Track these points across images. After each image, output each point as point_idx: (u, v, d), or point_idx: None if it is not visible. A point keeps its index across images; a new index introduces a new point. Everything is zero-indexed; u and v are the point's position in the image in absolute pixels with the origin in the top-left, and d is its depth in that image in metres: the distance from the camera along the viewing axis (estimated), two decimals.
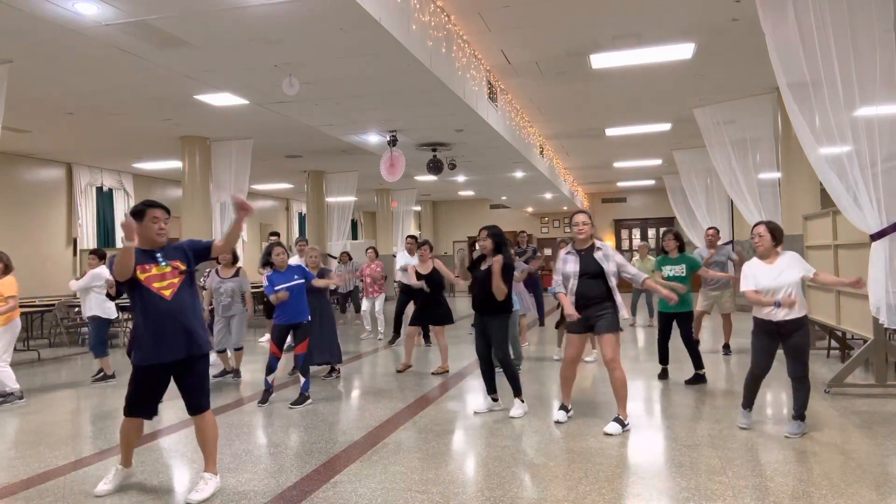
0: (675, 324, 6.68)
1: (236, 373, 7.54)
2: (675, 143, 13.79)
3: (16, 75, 7.10)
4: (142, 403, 3.86)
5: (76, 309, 11.56)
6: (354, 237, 22.93)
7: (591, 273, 4.98)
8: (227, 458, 4.53)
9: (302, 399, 6.07)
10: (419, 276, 7.77)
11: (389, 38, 5.64)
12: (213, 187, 11.80)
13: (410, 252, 9.42)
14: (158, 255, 3.80)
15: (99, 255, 7.55)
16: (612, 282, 5.01)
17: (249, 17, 5.20)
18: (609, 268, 4.98)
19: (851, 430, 4.84)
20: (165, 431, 5.30)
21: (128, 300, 3.89)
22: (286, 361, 7.77)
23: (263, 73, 6.68)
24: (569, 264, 5.09)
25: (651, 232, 23.16)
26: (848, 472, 3.94)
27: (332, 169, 15.63)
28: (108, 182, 14.30)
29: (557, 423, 5.18)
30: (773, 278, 4.63)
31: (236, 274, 7.48)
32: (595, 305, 4.98)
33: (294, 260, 7.82)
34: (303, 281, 6.21)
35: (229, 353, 7.62)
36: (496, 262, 5.32)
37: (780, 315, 4.58)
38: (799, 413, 4.72)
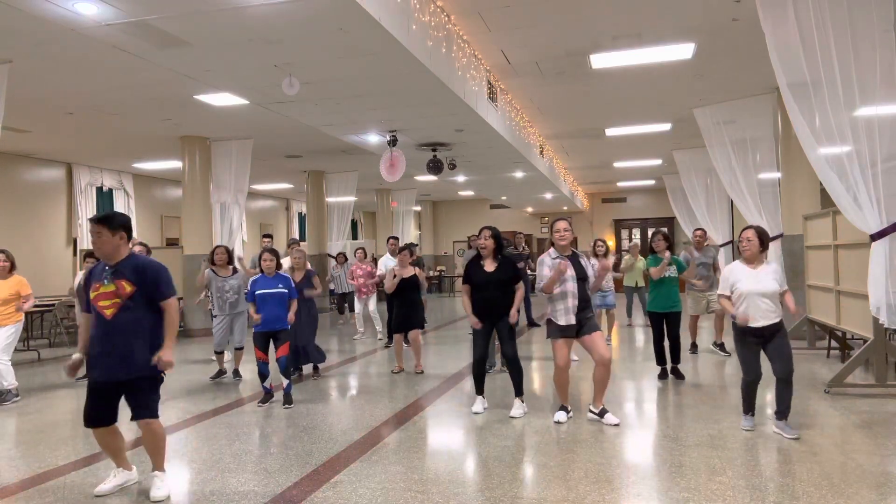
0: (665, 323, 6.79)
1: (236, 373, 7.54)
2: (675, 143, 13.79)
3: (16, 75, 7.10)
4: (94, 415, 3.81)
5: (76, 309, 11.57)
6: (354, 237, 22.94)
7: (583, 277, 5.21)
8: (227, 457, 4.53)
9: (290, 399, 6.10)
10: (400, 281, 7.68)
11: (389, 38, 5.64)
12: (213, 187, 11.80)
13: (392, 253, 9.46)
14: (107, 272, 3.74)
15: (95, 256, 7.54)
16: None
17: (249, 17, 5.20)
18: (591, 273, 5.28)
19: (851, 430, 4.84)
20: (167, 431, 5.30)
21: None
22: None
23: (263, 73, 6.68)
24: (569, 269, 5.19)
25: (651, 232, 23.16)
26: (848, 472, 3.94)
27: (332, 169, 15.63)
28: (108, 182, 14.30)
29: (558, 423, 5.20)
30: (754, 283, 4.70)
31: (235, 271, 7.55)
32: (583, 310, 5.20)
33: (286, 262, 7.77)
34: (284, 291, 6.18)
35: (227, 355, 7.62)
36: (518, 298, 5.53)
37: (759, 322, 4.65)
38: (785, 414, 4.73)
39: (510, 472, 4.08)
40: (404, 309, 7.67)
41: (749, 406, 4.94)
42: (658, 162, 16.38)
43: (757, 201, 9.92)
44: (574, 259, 5.23)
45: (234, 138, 11.56)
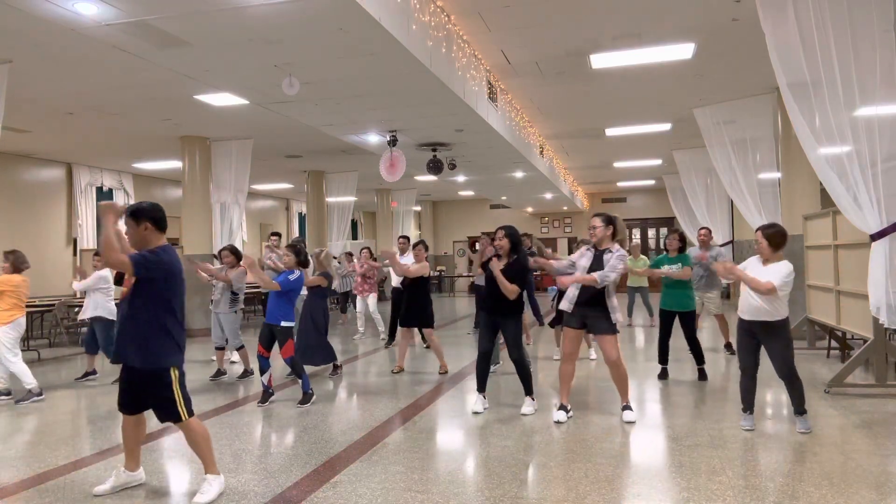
0: (676, 323, 6.74)
1: (245, 372, 7.57)
2: (675, 143, 13.79)
3: (16, 75, 7.10)
4: (122, 399, 3.86)
5: (76, 309, 11.57)
6: (354, 237, 22.93)
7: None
8: (227, 457, 4.53)
9: (307, 397, 6.08)
10: (409, 279, 7.61)
11: (389, 38, 5.64)
12: (213, 187, 11.80)
13: (402, 252, 9.44)
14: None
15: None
16: (608, 287, 5.20)
17: (249, 17, 5.20)
18: (613, 276, 5.15)
19: (851, 430, 4.84)
20: (168, 430, 5.30)
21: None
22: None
23: (263, 73, 6.68)
24: (583, 259, 5.28)
25: (651, 232, 23.16)
26: (848, 472, 3.94)
27: (332, 169, 15.63)
28: (108, 182, 14.30)
29: (557, 423, 5.19)
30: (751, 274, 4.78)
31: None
32: (589, 305, 5.16)
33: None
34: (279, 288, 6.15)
35: (227, 355, 7.61)
36: (494, 266, 5.39)
37: (754, 316, 4.71)
38: (799, 409, 4.80)
39: (510, 472, 4.08)
40: (414, 305, 7.55)
41: (747, 404, 4.95)
42: (658, 162, 16.38)
43: (757, 201, 9.92)
44: (599, 255, 5.19)
45: (234, 138, 11.56)
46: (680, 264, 6.75)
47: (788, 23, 5.71)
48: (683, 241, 6.97)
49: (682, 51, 7.94)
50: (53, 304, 10.95)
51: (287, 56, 6.18)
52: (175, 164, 12.65)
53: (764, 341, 4.78)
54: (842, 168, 5.72)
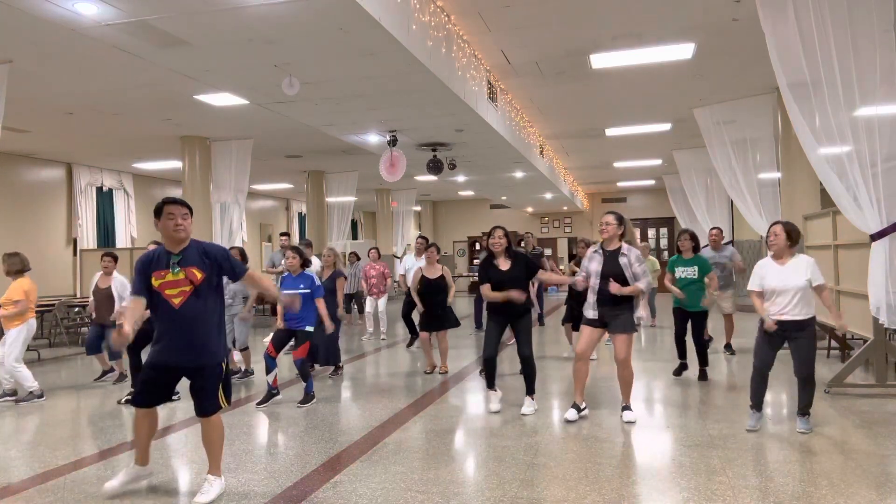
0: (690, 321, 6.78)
1: (245, 373, 7.56)
2: (675, 143, 13.79)
3: (16, 75, 7.10)
4: (145, 394, 3.85)
5: (76, 309, 11.58)
6: (354, 237, 22.93)
7: (613, 275, 5.07)
8: (227, 457, 4.52)
9: (308, 398, 6.09)
10: (427, 281, 7.42)
11: (389, 38, 5.64)
12: (213, 187, 11.80)
13: (419, 253, 9.29)
14: (176, 260, 3.75)
15: (114, 257, 7.47)
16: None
17: (249, 17, 5.20)
18: (629, 273, 5.08)
19: (851, 430, 4.84)
20: (170, 430, 5.30)
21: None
22: (290, 361, 7.77)
23: (263, 73, 6.68)
24: (593, 262, 5.23)
25: (651, 232, 23.15)
26: (848, 472, 3.94)
27: (332, 169, 15.63)
28: (108, 182, 14.30)
29: (568, 421, 5.20)
30: (780, 279, 4.68)
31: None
32: (612, 305, 5.11)
33: (317, 262, 7.70)
34: (307, 291, 6.14)
35: (236, 356, 7.61)
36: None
37: (786, 315, 4.65)
38: (805, 410, 4.79)
39: (510, 472, 4.08)
40: (436, 311, 7.38)
41: (756, 401, 4.90)
42: (658, 162, 16.38)
43: (757, 201, 9.92)
44: (613, 254, 5.14)
45: (234, 138, 11.55)
46: (697, 267, 6.71)
47: (788, 23, 5.71)
48: (696, 240, 6.92)
49: (682, 51, 7.94)
50: (53, 304, 10.95)
51: (287, 56, 6.18)
52: (175, 164, 12.64)
53: (793, 341, 4.70)
54: (842, 168, 5.72)
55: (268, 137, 11.45)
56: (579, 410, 5.31)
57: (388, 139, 9.77)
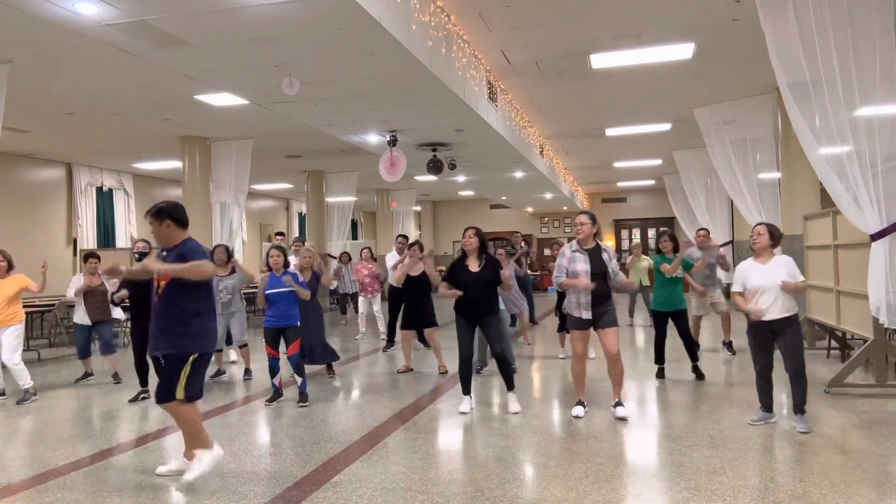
0: (670, 323, 6.82)
1: (247, 372, 7.56)
2: (675, 143, 13.79)
3: (16, 75, 7.10)
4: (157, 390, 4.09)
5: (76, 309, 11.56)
6: (354, 237, 22.92)
7: (600, 272, 5.20)
8: (227, 457, 4.52)
9: (304, 396, 6.12)
10: (409, 279, 7.65)
11: (389, 38, 5.64)
12: (213, 187, 11.80)
13: (400, 251, 9.44)
14: (163, 255, 4.05)
15: (98, 257, 7.60)
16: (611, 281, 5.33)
17: (249, 17, 5.20)
18: (611, 268, 5.26)
19: (851, 430, 4.84)
20: (171, 429, 5.30)
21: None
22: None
23: (263, 73, 6.68)
24: (579, 263, 5.25)
25: (651, 232, 23.13)
26: (848, 472, 3.94)
27: (332, 169, 15.63)
28: (108, 182, 14.30)
29: (577, 417, 5.28)
30: (763, 278, 4.82)
31: (233, 271, 7.49)
32: (602, 303, 5.23)
33: (294, 261, 7.77)
34: (290, 289, 6.17)
35: (233, 355, 7.62)
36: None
37: (771, 314, 4.76)
38: (800, 408, 4.83)
39: (510, 472, 4.08)
40: (412, 305, 7.57)
41: (764, 402, 5.02)
42: (658, 162, 16.38)
43: (757, 201, 9.92)
44: (594, 253, 5.25)
45: (234, 138, 11.55)
46: (682, 267, 6.86)
47: (788, 23, 5.70)
48: (675, 241, 7.10)
49: (682, 51, 7.94)
50: (53, 304, 10.94)
51: (287, 56, 6.18)
52: (175, 164, 12.64)
53: (781, 338, 4.79)
54: (842, 168, 5.72)
55: (268, 137, 11.45)
56: (584, 406, 5.39)
57: (388, 139, 9.76)
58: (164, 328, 3.96)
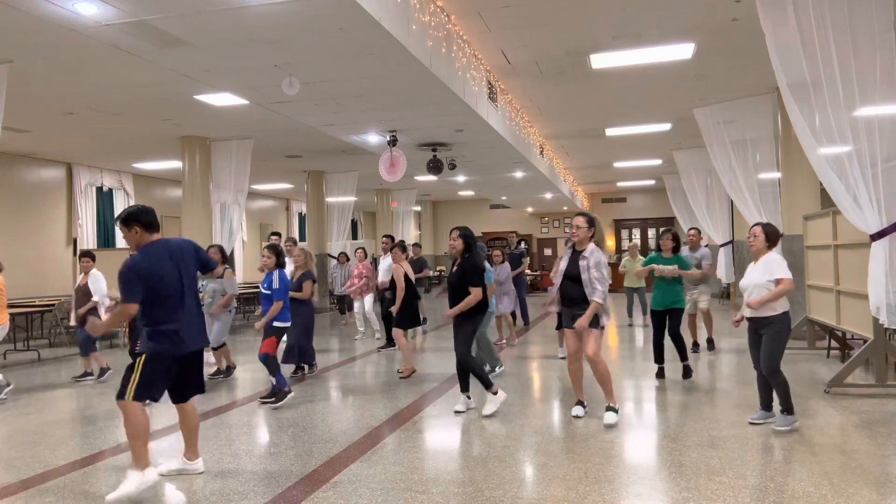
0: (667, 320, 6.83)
1: (227, 370, 7.59)
2: (675, 143, 13.79)
3: (16, 75, 7.10)
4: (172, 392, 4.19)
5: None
6: (354, 237, 22.93)
7: (572, 276, 5.21)
8: (227, 457, 4.53)
9: (273, 393, 6.12)
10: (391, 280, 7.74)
11: (389, 38, 5.64)
12: (213, 187, 11.80)
13: (385, 251, 9.47)
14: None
15: (92, 257, 7.70)
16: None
17: (249, 17, 5.20)
18: (584, 277, 5.11)
19: (851, 430, 4.84)
20: (171, 429, 5.30)
21: None
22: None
23: (263, 73, 6.68)
24: (563, 261, 5.38)
25: (651, 232, 23.14)
26: (848, 472, 3.94)
27: (332, 169, 15.63)
28: (108, 182, 14.30)
29: (576, 417, 5.28)
30: (747, 277, 4.92)
31: (221, 275, 7.41)
32: (574, 305, 5.21)
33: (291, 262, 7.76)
34: (268, 293, 6.23)
35: (210, 358, 7.58)
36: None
37: (748, 312, 4.87)
38: (785, 406, 4.81)
39: (510, 472, 4.08)
40: (402, 307, 7.60)
41: (763, 400, 5.04)
42: (658, 162, 16.39)
43: (757, 201, 9.92)
44: (577, 256, 5.23)
45: (234, 138, 11.55)
46: (677, 266, 6.80)
47: (788, 23, 5.71)
48: (677, 240, 7.09)
49: (682, 51, 7.94)
50: (53, 304, 10.95)
51: (287, 56, 6.18)
52: (175, 164, 12.64)
53: (762, 336, 4.86)
54: (842, 168, 5.72)
55: (268, 137, 11.45)
56: (584, 406, 5.39)
57: (388, 139, 9.77)
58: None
